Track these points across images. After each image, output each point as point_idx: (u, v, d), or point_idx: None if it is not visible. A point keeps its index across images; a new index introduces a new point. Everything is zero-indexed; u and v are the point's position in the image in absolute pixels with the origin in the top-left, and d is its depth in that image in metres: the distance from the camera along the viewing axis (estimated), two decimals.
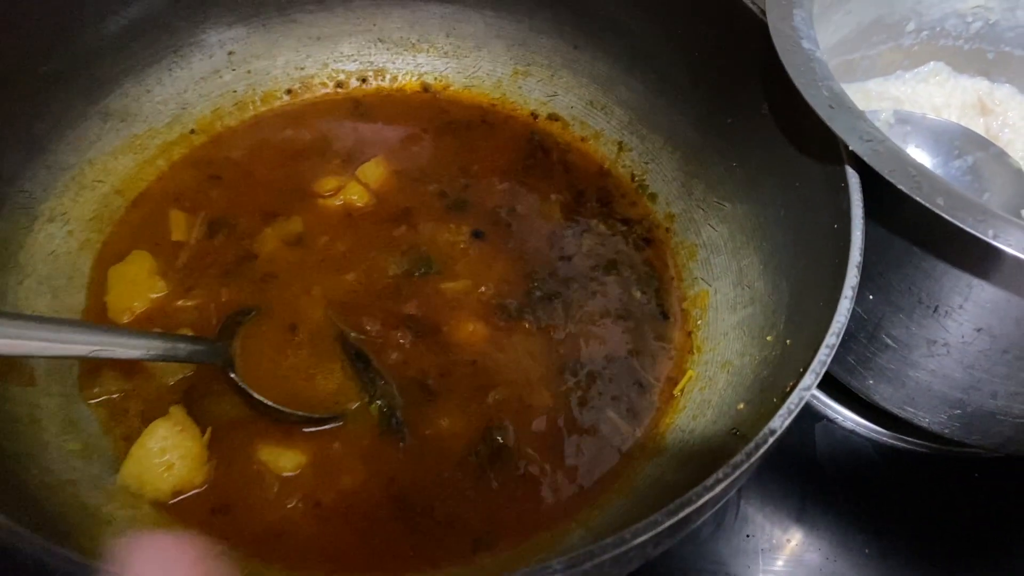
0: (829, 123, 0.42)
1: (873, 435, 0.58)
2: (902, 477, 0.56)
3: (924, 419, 0.51)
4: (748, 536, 0.53)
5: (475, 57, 0.62)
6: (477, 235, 0.55)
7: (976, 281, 0.42)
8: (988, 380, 0.47)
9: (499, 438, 0.46)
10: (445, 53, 0.62)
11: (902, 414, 0.51)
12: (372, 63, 0.62)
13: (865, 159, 0.41)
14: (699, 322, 0.51)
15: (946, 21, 0.62)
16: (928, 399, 0.49)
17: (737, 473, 0.34)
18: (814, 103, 0.43)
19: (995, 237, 0.38)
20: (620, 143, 0.59)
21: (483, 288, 0.52)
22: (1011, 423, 0.49)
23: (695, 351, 0.50)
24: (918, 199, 0.39)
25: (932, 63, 0.64)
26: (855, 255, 0.39)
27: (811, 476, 0.56)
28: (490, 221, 0.55)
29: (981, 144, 0.58)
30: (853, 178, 0.42)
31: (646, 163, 0.58)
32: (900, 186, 0.39)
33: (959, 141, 0.58)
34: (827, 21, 0.56)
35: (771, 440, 0.35)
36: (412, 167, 0.58)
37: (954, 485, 0.56)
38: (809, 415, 0.58)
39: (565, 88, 0.61)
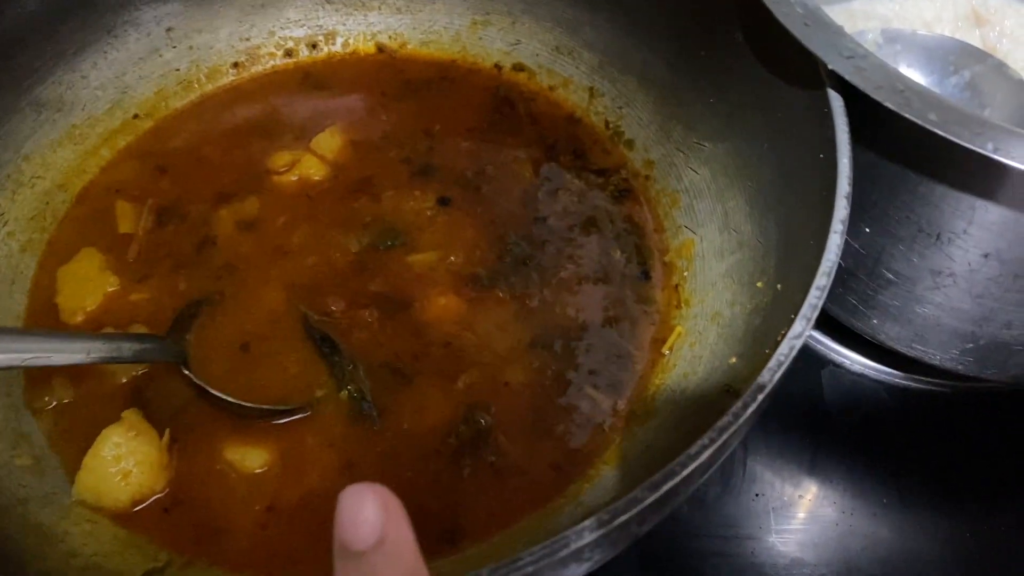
0: (804, 42, 0.38)
1: (884, 377, 0.54)
2: (917, 419, 0.53)
3: (935, 357, 0.47)
4: (757, 495, 0.50)
5: (430, 10, 0.58)
6: (444, 201, 0.51)
7: (979, 202, 0.38)
8: (1000, 309, 0.43)
9: (479, 420, 0.42)
10: (398, 9, 0.58)
11: (912, 353, 0.48)
12: (321, 26, 0.58)
13: (846, 77, 0.37)
14: (685, 274, 0.48)
15: None
16: (938, 335, 0.46)
17: (725, 436, 0.31)
18: (787, 22, 0.39)
19: (995, 151, 0.34)
20: (591, 89, 0.55)
21: (453, 258, 0.48)
22: None
23: (682, 305, 0.47)
24: (908, 116, 0.35)
25: None
26: (843, 185, 0.36)
27: (821, 425, 0.53)
28: (457, 185, 0.52)
29: (978, 57, 0.54)
30: (836, 101, 0.38)
31: (620, 108, 0.54)
32: (888, 103, 0.36)
33: (954, 56, 0.54)
34: None
35: (760, 397, 0.32)
36: (371, 134, 0.54)
37: (972, 423, 0.53)
38: (815, 360, 0.55)
39: (528, 35, 0.57)
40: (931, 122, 0.35)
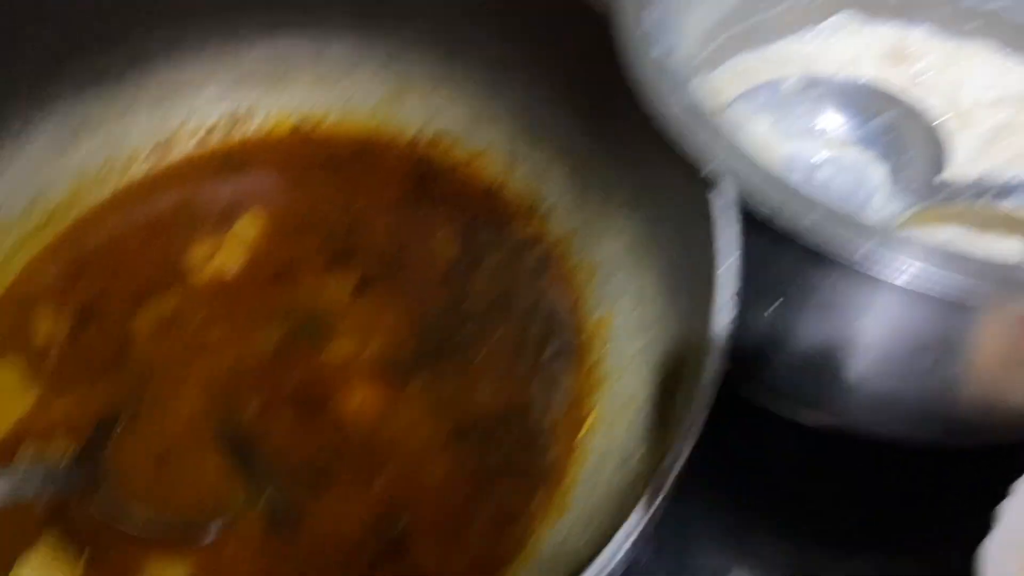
0: (682, 143, 0.38)
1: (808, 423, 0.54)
2: (844, 466, 0.53)
3: (859, 426, 0.47)
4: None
5: (347, 82, 0.57)
6: (363, 285, 0.51)
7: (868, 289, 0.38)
8: (915, 378, 0.43)
9: (396, 523, 0.43)
10: (315, 84, 0.58)
11: (836, 423, 0.48)
12: (239, 107, 0.58)
13: (720, 182, 0.37)
14: (601, 353, 0.47)
15: None
16: (854, 406, 0.46)
17: (632, 539, 0.31)
18: (663, 125, 0.39)
19: (865, 261, 0.34)
20: (510, 157, 0.55)
21: (371, 346, 0.48)
22: (946, 415, 0.45)
23: (598, 387, 0.46)
24: (781, 223, 0.35)
25: (840, 13, 0.59)
26: (726, 286, 0.35)
27: (746, 478, 0.53)
28: (377, 266, 0.52)
29: (892, 101, 0.54)
30: (723, 198, 0.38)
31: (538, 177, 0.54)
32: (761, 209, 0.35)
33: (869, 99, 0.54)
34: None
35: (659, 498, 0.32)
36: (290, 216, 0.54)
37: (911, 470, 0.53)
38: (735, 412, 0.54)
39: (446, 105, 0.56)
40: (805, 228, 0.35)
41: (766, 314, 0.44)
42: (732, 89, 0.58)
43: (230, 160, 0.57)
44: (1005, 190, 0.46)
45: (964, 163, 0.54)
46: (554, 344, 0.49)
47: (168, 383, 0.48)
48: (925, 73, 0.59)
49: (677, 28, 0.46)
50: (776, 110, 0.54)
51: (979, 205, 0.47)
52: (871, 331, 0.41)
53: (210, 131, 0.57)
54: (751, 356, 0.47)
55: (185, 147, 0.57)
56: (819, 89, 0.54)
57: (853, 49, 0.60)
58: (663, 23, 0.44)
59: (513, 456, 0.45)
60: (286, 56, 0.57)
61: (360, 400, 0.47)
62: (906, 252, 0.34)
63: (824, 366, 0.44)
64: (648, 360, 0.44)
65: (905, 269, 0.33)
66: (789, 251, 0.38)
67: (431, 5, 0.53)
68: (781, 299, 0.42)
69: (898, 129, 0.53)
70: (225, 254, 0.52)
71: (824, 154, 0.54)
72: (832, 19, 0.59)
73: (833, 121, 0.54)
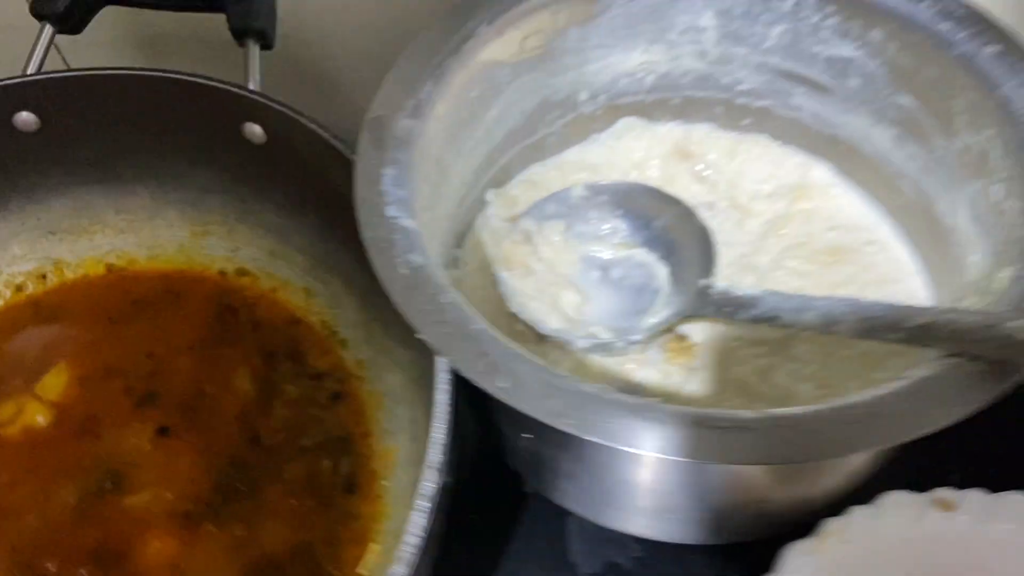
0: (401, 309, 0.41)
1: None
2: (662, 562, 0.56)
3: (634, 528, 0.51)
4: None
5: (151, 227, 0.60)
6: (162, 432, 0.53)
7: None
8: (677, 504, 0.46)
9: None
10: (121, 229, 0.60)
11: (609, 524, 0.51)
12: (48, 256, 0.60)
13: (431, 346, 0.40)
14: (384, 483, 0.50)
15: (618, 83, 0.60)
16: (621, 513, 0.49)
17: None
18: (388, 287, 0.41)
19: (558, 419, 0.37)
20: (307, 289, 0.58)
21: (168, 495, 0.51)
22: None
23: (381, 519, 0.49)
24: (480, 385, 0.38)
25: (623, 119, 0.63)
26: (437, 443, 0.38)
27: None
28: (177, 412, 0.54)
29: (668, 202, 0.57)
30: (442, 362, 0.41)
31: (332, 308, 0.57)
32: (463, 372, 0.38)
33: (648, 202, 0.57)
34: (467, 136, 0.54)
35: None
36: (96, 366, 0.56)
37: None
38: (558, 513, 0.57)
39: (245, 241, 0.59)
40: (501, 391, 0.38)
41: (520, 441, 0.48)
42: (526, 198, 0.61)
43: (39, 313, 0.59)
44: (741, 303, 0.49)
45: (740, 258, 0.58)
46: (345, 475, 0.51)
47: None
48: (709, 168, 0.63)
49: (425, 179, 0.48)
50: (567, 217, 0.57)
51: (722, 318, 0.51)
52: (616, 472, 0.44)
53: (19, 288, 0.59)
54: (527, 467, 0.50)
55: None
56: (603, 195, 0.58)
57: (640, 151, 0.63)
58: (405, 177, 0.46)
59: None
60: (89, 208, 0.59)
61: (156, 549, 0.49)
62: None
63: (576, 482, 0.48)
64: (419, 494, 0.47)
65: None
66: None
67: (217, 156, 0.56)
68: (531, 435, 0.46)
69: (674, 231, 0.57)
70: (30, 412, 0.54)
71: (617, 254, 0.57)
72: (616, 126, 0.63)
73: (623, 224, 0.58)
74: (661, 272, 0.56)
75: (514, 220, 0.61)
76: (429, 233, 0.48)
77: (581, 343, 0.51)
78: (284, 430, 0.53)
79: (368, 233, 0.43)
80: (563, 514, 0.57)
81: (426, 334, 0.40)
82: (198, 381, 0.55)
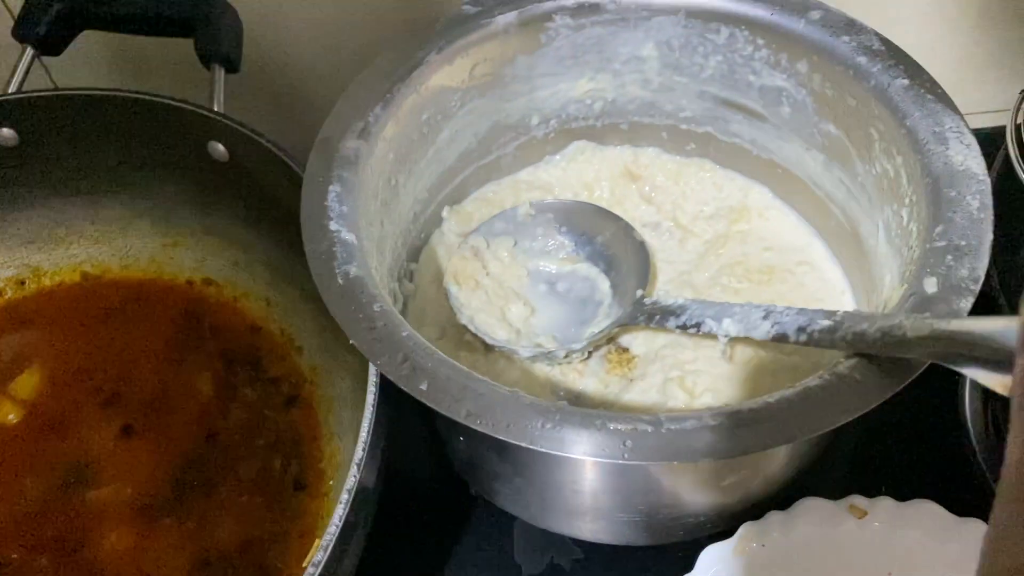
0: (335, 315, 0.44)
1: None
2: (600, 563, 0.59)
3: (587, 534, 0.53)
4: None
5: (124, 238, 0.63)
6: (127, 430, 0.56)
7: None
8: (602, 506, 0.49)
9: None
10: (96, 240, 0.64)
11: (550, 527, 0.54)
12: (27, 264, 0.63)
13: (362, 350, 0.43)
14: (331, 482, 0.53)
15: (568, 108, 0.63)
16: (579, 521, 0.52)
17: None
18: (325, 295, 0.44)
19: (467, 416, 0.40)
20: (267, 299, 0.61)
21: (129, 490, 0.54)
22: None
23: (326, 515, 0.52)
24: (402, 386, 0.41)
25: (575, 143, 0.66)
26: (357, 452, 0.41)
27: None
28: (141, 411, 0.57)
29: (611, 218, 0.60)
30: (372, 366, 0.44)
31: (290, 317, 0.60)
32: (388, 375, 0.41)
33: (591, 219, 0.61)
34: (419, 157, 0.57)
35: None
36: (69, 367, 0.59)
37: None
38: (506, 516, 0.60)
39: (211, 252, 0.62)
40: (420, 392, 0.41)
41: (458, 444, 0.51)
42: (481, 215, 0.64)
43: (14, 318, 0.62)
44: (669, 311, 0.52)
45: (679, 275, 0.61)
46: (295, 473, 0.54)
47: None
48: (655, 190, 0.66)
49: (373, 196, 0.51)
50: (515, 233, 0.61)
51: (655, 326, 0.54)
52: (540, 473, 0.47)
53: (1, 290, 0.63)
54: (465, 467, 0.53)
55: None
56: (550, 213, 0.61)
57: (591, 173, 0.67)
58: (349, 194, 0.49)
59: None
60: (66, 219, 0.63)
61: (113, 542, 0.52)
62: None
63: (511, 484, 0.51)
64: None
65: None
66: None
67: (185, 173, 0.59)
68: (462, 437, 0.48)
69: (614, 246, 0.60)
70: (3, 410, 0.57)
71: (563, 268, 0.60)
72: (568, 148, 0.66)
73: (565, 241, 0.61)
74: (604, 285, 0.59)
75: (465, 235, 0.64)
76: (377, 247, 0.51)
77: (525, 352, 0.54)
78: (239, 431, 0.56)
79: (310, 245, 0.46)
80: (509, 517, 0.60)
81: (356, 339, 0.43)
82: (162, 383, 0.58)
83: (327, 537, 0.37)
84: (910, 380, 0.38)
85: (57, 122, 0.58)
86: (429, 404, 0.40)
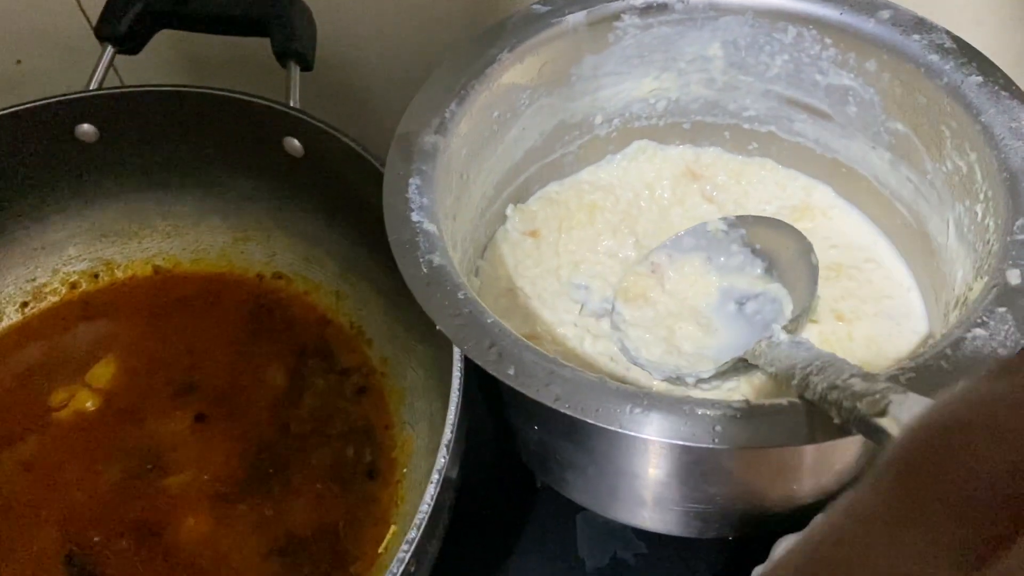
0: (422, 303, 0.45)
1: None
2: (665, 557, 0.59)
3: (651, 525, 0.53)
4: None
5: (195, 233, 0.65)
6: (200, 419, 0.57)
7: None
8: (675, 495, 0.49)
9: None
10: (168, 234, 0.65)
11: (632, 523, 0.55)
12: (100, 257, 0.65)
13: (448, 335, 0.43)
14: (404, 470, 0.54)
15: (631, 107, 0.64)
16: (638, 509, 0.52)
17: None
18: (411, 283, 0.45)
19: (557, 401, 0.40)
20: (337, 292, 0.62)
21: (205, 476, 0.55)
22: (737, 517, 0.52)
23: (399, 503, 0.53)
24: (490, 371, 0.42)
25: (636, 142, 0.66)
26: (445, 434, 0.42)
27: (572, 570, 0.59)
28: (214, 400, 0.58)
29: (795, 236, 0.56)
30: (456, 351, 0.45)
31: (360, 310, 0.61)
32: (475, 360, 0.42)
33: (779, 236, 0.57)
34: (489, 153, 0.58)
35: None
36: (142, 358, 0.61)
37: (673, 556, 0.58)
38: (571, 508, 0.60)
39: (282, 247, 0.64)
40: (508, 377, 0.41)
41: (531, 434, 0.51)
42: (544, 214, 0.65)
43: (89, 310, 0.64)
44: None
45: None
46: (367, 462, 0.55)
47: (24, 522, 0.54)
48: (716, 189, 0.66)
49: (448, 190, 0.52)
50: (707, 249, 0.58)
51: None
52: (619, 461, 0.47)
53: (73, 286, 0.64)
54: (533, 458, 0.54)
55: (50, 301, 0.64)
56: (740, 229, 0.58)
57: (652, 172, 0.67)
58: (428, 187, 0.50)
59: (322, 568, 0.51)
60: (138, 215, 0.64)
61: (190, 527, 0.53)
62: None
63: (582, 474, 0.51)
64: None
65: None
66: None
67: (258, 168, 0.61)
68: (537, 426, 0.49)
69: (795, 266, 0.56)
70: (81, 399, 0.58)
71: (754, 288, 0.56)
72: (629, 148, 0.67)
73: (758, 259, 0.57)
74: (788, 308, 0.54)
75: (533, 235, 0.65)
76: (451, 240, 0.52)
77: (658, 375, 0.52)
78: (312, 420, 0.57)
79: (394, 235, 0.47)
80: (572, 510, 0.60)
81: (443, 326, 0.43)
82: (234, 374, 0.59)
83: (419, 515, 0.38)
84: None
85: (136, 118, 0.60)
86: (518, 388, 0.41)
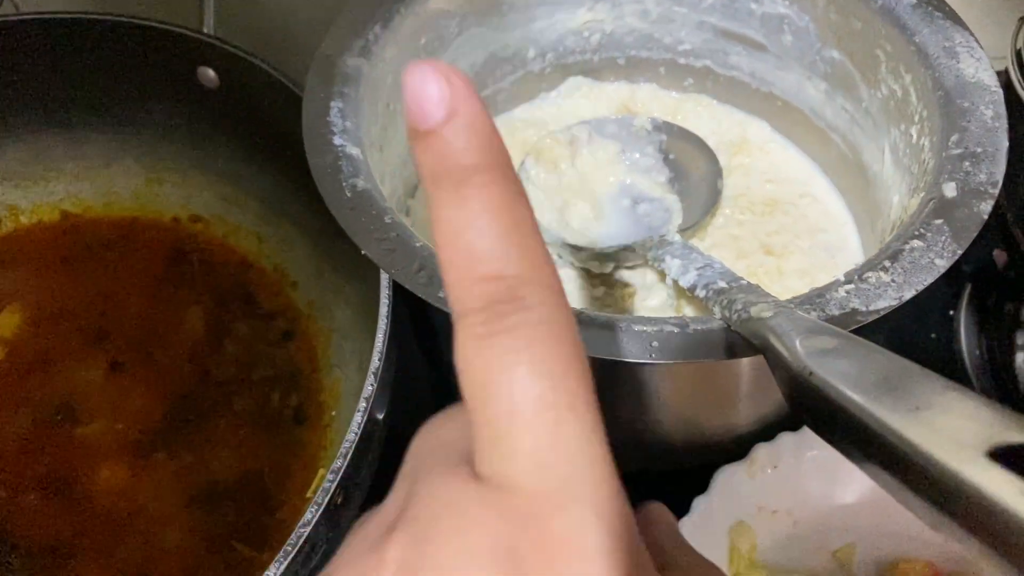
0: (345, 227, 0.42)
1: None
2: None
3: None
4: None
5: (106, 174, 0.61)
6: (115, 368, 0.54)
7: None
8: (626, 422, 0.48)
9: None
10: (76, 177, 0.61)
11: None
12: (3, 202, 0.61)
13: (374, 260, 0.41)
14: (333, 413, 0.52)
15: (564, 40, 0.62)
16: None
17: None
18: (333, 208, 0.43)
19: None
20: (259, 234, 0.59)
21: (120, 425, 0.52)
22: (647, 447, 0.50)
23: (328, 446, 0.50)
24: (419, 295, 0.40)
25: (571, 79, 0.65)
26: (373, 361, 0.40)
27: None
28: (129, 348, 0.55)
29: (711, 160, 0.58)
30: (384, 276, 0.42)
31: (284, 252, 0.58)
32: (403, 284, 0.40)
33: (696, 154, 0.59)
34: None
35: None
36: (51, 306, 0.57)
37: None
38: None
39: (199, 188, 0.60)
40: (438, 299, 0.39)
41: None
42: None
43: None
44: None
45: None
46: (293, 406, 0.52)
47: None
48: None
49: (374, 119, 0.50)
50: (625, 141, 0.59)
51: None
52: None
53: None
54: None
55: None
56: (663, 135, 0.59)
57: (588, 109, 0.66)
58: (352, 111, 0.48)
59: (247, 515, 0.48)
60: (44, 156, 0.60)
61: (106, 477, 0.50)
62: None
63: None
64: None
65: None
66: None
67: (171, 102, 0.57)
68: None
69: (701, 188, 0.57)
70: None
71: (653, 193, 0.57)
72: (564, 85, 0.65)
73: (667, 168, 0.58)
74: (676, 221, 0.56)
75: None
76: (378, 172, 0.50)
77: (547, 237, 0.52)
78: (234, 366, 0.54)
79: (315, 159, 0.45)
80: None
81: (369, 251, 0.41)
82: (150, 321, 0.56)
83: (345, 444, 0.36)
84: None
85: (35, 50, 0.55)
86: (448, 310, 0.38)
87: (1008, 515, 0.19)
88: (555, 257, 0.55)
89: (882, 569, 0.51)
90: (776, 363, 0.31)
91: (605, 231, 0.55)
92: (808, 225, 0.58)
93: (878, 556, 0.51)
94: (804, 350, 0.30)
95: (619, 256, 0.54)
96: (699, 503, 0.47)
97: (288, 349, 0.55)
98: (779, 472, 0.49)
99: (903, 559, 0.51)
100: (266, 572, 0.33)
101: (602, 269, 0.55)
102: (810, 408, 0.29)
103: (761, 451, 0.49)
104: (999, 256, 0.64)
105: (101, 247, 0.60)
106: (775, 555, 0.49)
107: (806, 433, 0.50)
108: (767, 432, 0.49)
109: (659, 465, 0.53)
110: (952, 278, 0.60)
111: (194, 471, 0.50)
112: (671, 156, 0.58)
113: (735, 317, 0.36)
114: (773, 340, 0.32)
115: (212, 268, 0.59)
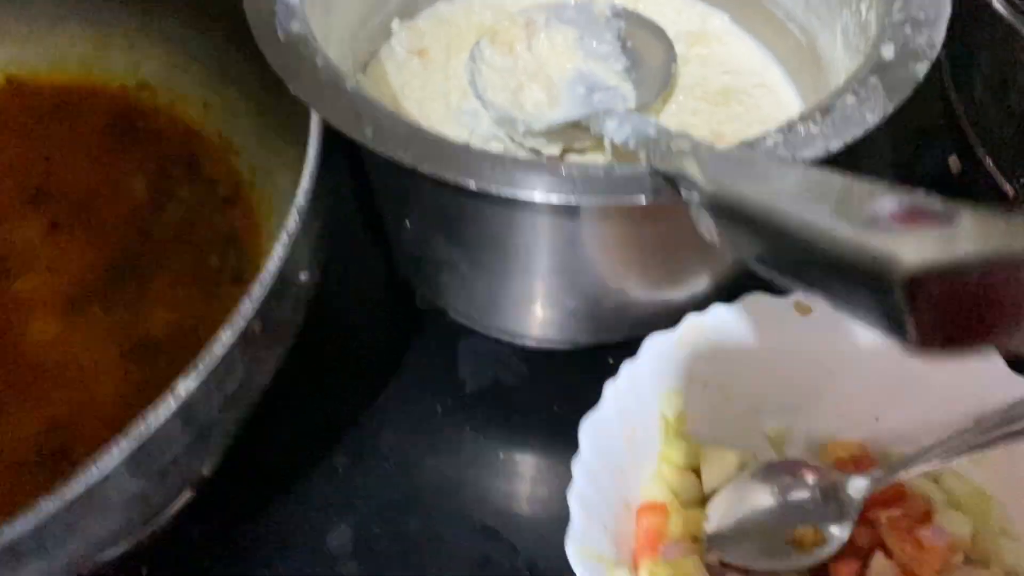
0: (276, 68, 0.42)
1: (516, 340, 0.58)
2: (543, 378, 0.58)
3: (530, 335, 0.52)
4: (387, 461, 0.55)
5: (52, 38, 0.60)
6: (55, 227, 0.54)
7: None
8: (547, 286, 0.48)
9: (58, 439, 0.46)
10: (22, 38, 0.60)
11: (502, 336, 0.53)
12: None
13: (303, 99, 0.41)
14: None
15: None
16: (515, 316, 0.51)
17: None
18: (265, 49, 0.42)
19: (414, 159, 0.38)
20: (205, 101, 0.58)
21: (56, 282, 0.51)
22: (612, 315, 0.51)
23: None
24: (348, 134, 0.39)
25: None
26: (299, 199, 0.39)
27: (452, 392, 0.57)
28: (70, 209, 0.54)
29: (668, 48, 0.58)
30: (315, 117, 0.42)
31: (229, 119, 0.57)
32: (331, 122, 0.40)
33: (653, 44, 0.58)
34: None
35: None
36: None
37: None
38: (452, 332, 0.59)
39: (146, 54, 0.59)
40: (366, 138, 0.39)
41: (406, 232, 0.49)
42: (434, 34, 0.62)
43: None
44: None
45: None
46: (232, 268, 0.52)
47: None
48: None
49: None
50: (583, 28, 0.58)
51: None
52: (488, 242, 0.46)
53: None
54: (411, 266, 0.52)
55: None
56: (621, 22, 0.58)
57: None
58: None
59: (178, 368, 0.48)
60: None
61: (39, 328, 0.49)
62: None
63: (458, 274, 0.49)
64: None
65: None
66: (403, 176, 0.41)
67: None
68: (408, 221, 0.47)
69: (656, 76, 0.57)
70: None
71: (609, 82, 0.56)
72: None
73: (624, 57, 0.57)
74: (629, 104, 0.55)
75: (421, 54, 0.62)
76: (322, 35, 0.49)
77: (492, 113, 0.53)
78: (174, 228, 0.54)
79: (250, 5, 0.44)
80: (455, 333, 0.59)
81: (298, 90, 0.41)
82: (92, 184, 0.55)
83: (266, 274, 0.35)
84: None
85: None
86: (376, 150, 0.38)
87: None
88: (504, 137, 0.55)
89: (814, 449, 0.52)
90: (691, 186, 0.31)
91: (558, 116, 0.54)
92: (760, 115, 0.58)
93: (810, 436, 0.52)
94: (714, 168, 0.30)
95: (568, 135, 0.54)
96: (626, 367, 0.47)
97: (229, 214, 0.54)
98: (710, 343, 0.49)
99: (835, 440, 0.51)
100: (181, 384, 0.33)
101: (550, 150, 0.54)
102: (727, 227, 0.29)
103: (692, 320, 0.49)
104: (954, 163, 0.64)
105: (46, 112, 0.59)
106: (706, 429, 0.50)
107: (739, 304, 0.50)
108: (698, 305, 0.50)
109: (587, 338, 0.53)
110: (907, 187, 0.60)
111: (128, 326, 0.50)
112: (628, 44, 0.58)
113: (657, 156, 0.36)
114: (687, 165, 0.31)
115: (157, 136, 0.58)
